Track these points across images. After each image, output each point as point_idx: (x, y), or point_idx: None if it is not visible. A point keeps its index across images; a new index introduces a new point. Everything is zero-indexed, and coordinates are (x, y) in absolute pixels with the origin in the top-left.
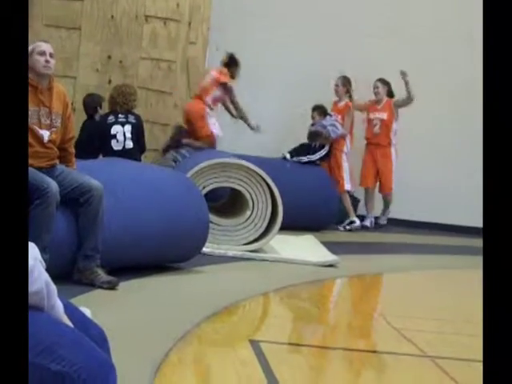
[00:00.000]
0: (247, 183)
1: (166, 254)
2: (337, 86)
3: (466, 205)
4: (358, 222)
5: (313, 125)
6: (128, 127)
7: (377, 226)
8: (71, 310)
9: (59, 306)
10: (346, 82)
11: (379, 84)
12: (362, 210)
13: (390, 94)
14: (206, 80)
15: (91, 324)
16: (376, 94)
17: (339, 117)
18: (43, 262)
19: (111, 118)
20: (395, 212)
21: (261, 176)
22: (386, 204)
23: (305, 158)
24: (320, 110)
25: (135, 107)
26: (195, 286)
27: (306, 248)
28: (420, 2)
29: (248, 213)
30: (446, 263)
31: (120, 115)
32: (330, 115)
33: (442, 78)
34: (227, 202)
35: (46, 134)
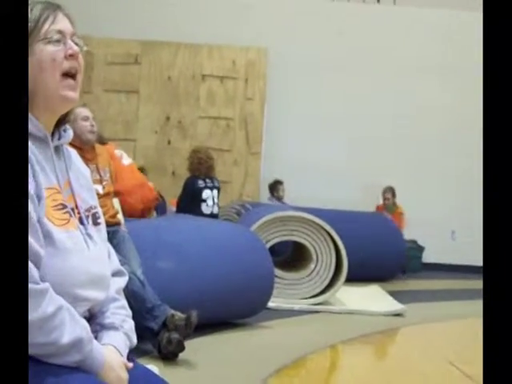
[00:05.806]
0: (310, 236)
1: (231, 310)
2: None
3: None
4: None
5: None
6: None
7: None
8: (141, 370)
9: None
10: None
11: None
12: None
13: None
14: None
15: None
16: None
17: None
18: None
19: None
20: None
21: (324, 228)
22: None
23: None
24: None
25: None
26: (262, 341)
27: (371, 298)
28: None
29: (312, 266)
30: None
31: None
32: None
33: None
34: (290, 256)
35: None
